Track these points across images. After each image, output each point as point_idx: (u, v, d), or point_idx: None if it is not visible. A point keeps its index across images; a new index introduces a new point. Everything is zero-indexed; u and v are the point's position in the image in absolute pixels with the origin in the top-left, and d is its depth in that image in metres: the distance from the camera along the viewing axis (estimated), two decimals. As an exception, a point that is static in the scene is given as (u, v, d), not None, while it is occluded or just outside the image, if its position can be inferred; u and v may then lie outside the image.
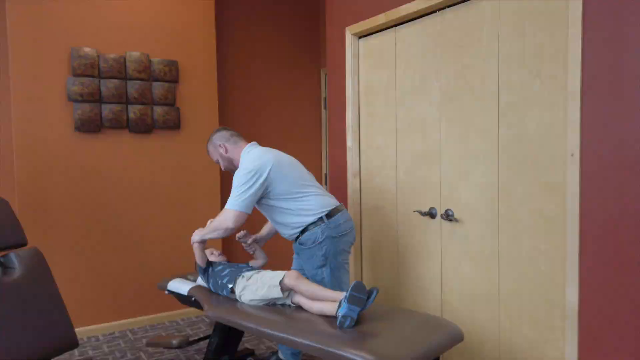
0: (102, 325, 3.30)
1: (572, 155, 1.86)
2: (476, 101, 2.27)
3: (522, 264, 2.12)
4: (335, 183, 3.31)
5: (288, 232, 2.44)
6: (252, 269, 2.44)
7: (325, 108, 4.54)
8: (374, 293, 1.93)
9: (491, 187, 2.23)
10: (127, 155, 3.37)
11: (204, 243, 2.44)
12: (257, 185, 2.30)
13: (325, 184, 4.55)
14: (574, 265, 1.87)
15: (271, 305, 2.24)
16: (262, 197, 2.37)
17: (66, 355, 2.93)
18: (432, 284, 2.58)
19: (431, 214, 2.55)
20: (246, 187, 2.28)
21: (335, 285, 2.44)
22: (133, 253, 3.41)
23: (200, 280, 2.65)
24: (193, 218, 3.62)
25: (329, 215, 2.39)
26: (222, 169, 2.59)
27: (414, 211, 2.64)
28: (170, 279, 2.75)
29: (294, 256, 2.66)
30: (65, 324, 2.29)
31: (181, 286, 2.62)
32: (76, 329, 3.21)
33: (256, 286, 2.22)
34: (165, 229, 3.53)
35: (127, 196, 3.39)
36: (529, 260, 2.09)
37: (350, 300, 1.92)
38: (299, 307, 2.20)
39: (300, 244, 2.40)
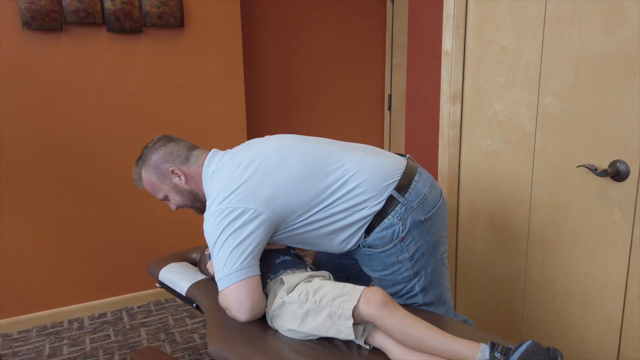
0: (91, 303, 2.44)
1: None
2: None
3: None
4: (416, 112, 2.14)
5: (346, 247, 1.36)
6: (303, 266, 1.39)
7: (392, 0, 3.23)
8: None
9: None
10: (105, 67, 2.29)
11: None
12: (252, 227, 1.21)
13: (389, 110, 3.36)
14: None
15: (325, 339, 1.23)
16: (275, 233, 1.31)
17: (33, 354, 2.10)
18: (604, 295, 1.48)
19: (616, 173, 1.39)
20: (234, 239, 1.20)
21: (434, 299, 1.39)
22: (126, 208, 2.44)
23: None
24: (208, 158, 2.57)
25: (401, 187, 1.29)
26: (175, 208, 1.50)
27: (578, 166, 1.48)
28: (164, 263, 1.77)
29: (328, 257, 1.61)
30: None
31: (179, 279, 1.63)
32: (55, 310, 2.37)
33: (304, 308, 1.19)
34: (169, 174, 2.51)
35: (108, 127, 2.35)
36: None
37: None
38: (378, 353, 1.17)
39: (368, 246, 1.33)
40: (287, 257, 1.41)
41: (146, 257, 2.52)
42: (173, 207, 1.49)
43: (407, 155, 1.45)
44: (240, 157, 1.32)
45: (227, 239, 1.21)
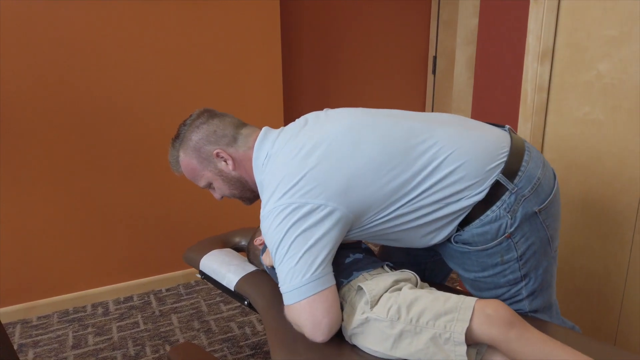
0: (116, 286, 2.23)
1: None
2: None
3: None
4: (489, 73, 1.84)
5: (431, 241, 1.09)
6: (378, 264, 1.14)
7: (442, -53, 2.84)
8: None
9: None
10: (128, 19, 1.99)
11: None
12: (325, 227, 0.97)
13: (433, 73, 3.04)
14: None
15: None
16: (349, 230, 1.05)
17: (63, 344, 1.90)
18: None
19: None
20: (303, 243, 0.96)
21: (541, 306, 1.14)
22: (154, 180, 2.19)
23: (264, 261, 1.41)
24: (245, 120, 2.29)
25: (510, 170, 1.02)
26: (219, 197, 1.24)
27: None
28: (205, 249, 1.52)
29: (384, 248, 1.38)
30: None
31: (225, 271, 1.39)
32: (77, 293, 2.16)
33: (397, 329, 0.94)
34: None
35: (132, 88, 2.07)
36: None
37: None
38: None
39: (463, 242, 1.07)
40: (358, 255, 1.16)
41: (176, 235, 2.29)
42: (217, 196, 1.24)
43: (507, 126, 1.17)
44: (301, 140, 1.05)
45: (293, 242, 0.96)
